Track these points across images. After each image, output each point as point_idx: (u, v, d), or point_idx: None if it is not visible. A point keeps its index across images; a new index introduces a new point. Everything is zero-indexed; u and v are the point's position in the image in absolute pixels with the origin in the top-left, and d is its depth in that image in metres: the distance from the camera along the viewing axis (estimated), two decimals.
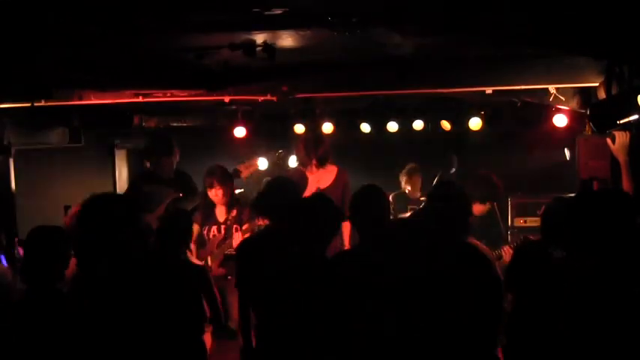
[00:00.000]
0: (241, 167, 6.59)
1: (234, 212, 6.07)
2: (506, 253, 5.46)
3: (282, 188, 4.55)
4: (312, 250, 4.02)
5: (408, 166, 7.62)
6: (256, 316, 4.27)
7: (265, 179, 8.20)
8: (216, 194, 6.06)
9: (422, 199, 7.33)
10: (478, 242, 4.31)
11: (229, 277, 5.88)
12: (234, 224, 6.04)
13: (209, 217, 6.10)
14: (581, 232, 3.15)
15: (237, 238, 5.90)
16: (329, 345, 3.79)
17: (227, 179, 6.13)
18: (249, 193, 8.51)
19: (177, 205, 6.04)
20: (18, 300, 3.55)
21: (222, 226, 6.08)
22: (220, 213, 6.15)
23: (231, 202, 6.16)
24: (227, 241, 5.94)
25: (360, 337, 3.72)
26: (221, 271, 5.86)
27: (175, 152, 6.63)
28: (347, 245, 5.84)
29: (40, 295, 3.40)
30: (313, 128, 7.48)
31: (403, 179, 7.61)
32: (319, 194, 5.29)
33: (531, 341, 3.50)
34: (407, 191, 7.55)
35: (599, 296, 3.03)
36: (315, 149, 6.21)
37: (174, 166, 6.62)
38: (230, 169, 6.47)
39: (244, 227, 5.97)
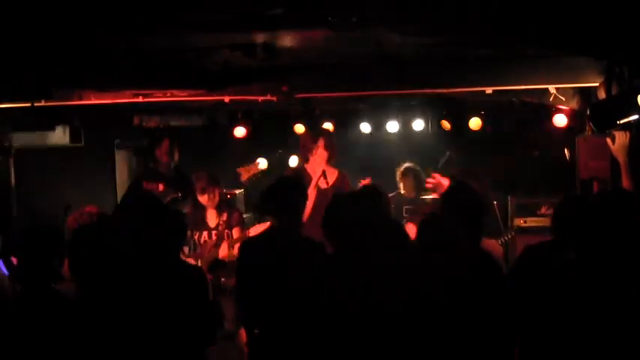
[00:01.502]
0: (242, 170, 6.59)
1: (224, 216, 6.08)
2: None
3: (288, 189, 4.55)
4: (311, 248, 4.03)
5: (403, 167, 7.60)
6: (258, 313, 4.28)
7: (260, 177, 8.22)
8: (209, 198, 6.06)
9: (425, 197, 7.33)
10: (489, 242, 4.31)
11: (222, 280, 5.88)
12: (225, 229, 6.04)
13: (199, 223, 6.10)
14: (598, 233, 3.11)
15: (223, 250, 5.90)
16: (329, 339, 3.79)
17: (216, 182, 6.15)
18: (248, 194, 8.55)
19: (175, 204, 6.03)
20: (14, 300, 3.55)
21: (214, 232, 6.09)
22: (211, 218, 6.16)
23: (221, 205, 6.16)
24: (216, 248, 5.94)
25: (360, 331, 3.72)
26: (209, 276, 5.87)
27: (166, 143, 6.62)
28: None
29: (37, 295, 3.40)
30: (313, 128, 7.47)
31: (398, 180, 7.59)
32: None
33: (540, 342, 3.48)
34: (402, 192, 7.54)
35: (609, 299, 3.02)
36: (322, 132, 6.26)
37: (174, 162, 6.61)
38: (231, 172, 6.50)
39: (234, 237, 5.98)
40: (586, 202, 3.82)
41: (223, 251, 5.91)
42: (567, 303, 3.21)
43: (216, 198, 6.09)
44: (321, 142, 6.10)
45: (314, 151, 6.07)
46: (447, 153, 7.92)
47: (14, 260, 4.33)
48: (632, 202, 3.44)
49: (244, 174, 6.58)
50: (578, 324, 3.10)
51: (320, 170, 6.03)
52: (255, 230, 5.95)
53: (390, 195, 7.29)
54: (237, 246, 5.83)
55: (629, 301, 3.00)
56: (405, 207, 7.34)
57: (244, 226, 6.22)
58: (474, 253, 3.82)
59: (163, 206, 4.32)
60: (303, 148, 6.22)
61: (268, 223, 5.75)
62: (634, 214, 3.17)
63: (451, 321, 3.57)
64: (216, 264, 5.97)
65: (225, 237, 6.00)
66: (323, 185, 6.01)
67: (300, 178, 5.83)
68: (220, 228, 6.08)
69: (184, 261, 4.59)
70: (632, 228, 3.10)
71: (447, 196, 4.33)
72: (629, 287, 3.01)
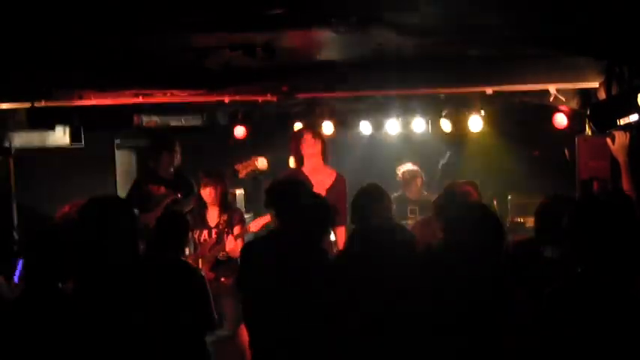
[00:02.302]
0: (239, 167, 6.60)
1: (225, 216, 6.06)
2: None
3: (287, 190, 4.54)
4: (313, 250, 4.03)
5: (411, 168, 7.57)
6: (259, 313, 4.28)
7: (260, 177, 8.22)
8: (210, 193, 6.05)
9: (425, 194, 7.33)
10: None
11: (222, 279, 5.88)
12: (225, 228, 6.02)
13: (200, 221, 6.09)
14: (579, 233, 3.12)
15: (229, 242, 5.89)
16: (328, 342, 3.79)
17: (221, 180, 6.13)
18: (248, 193, 8.55)
19: (176, 205, 6.04)
20: (18, 300, 3.55)
21: (214, 230, 6.08)
22: (212, 217, 6.14)
23: (224, 205, 6.14)
24: (218, 246, 5.93)
25: (358, 336, 3.72)
26: (211, 275, 5.87)
27: (176, 150, 6.62)
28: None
29: (42, 296, 3.40)
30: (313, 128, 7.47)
31: (402, 182, 7.57)
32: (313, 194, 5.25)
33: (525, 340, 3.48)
34: (407, 193, 7.53)
35: (594, 297, 3.02)
36: (306, 128, 6.29)
37: (175, 166, 6.62)
38: (229, 170, 6.48)
39: (236, 232, 5.97)
40: (569, 200, 3.88)
41: (230, 244, 5.89)
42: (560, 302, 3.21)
43: (216, 195, 6.07)
44: (308, 134, 6.10)
45: (303, 146, 6.05)
46: (447, 153, 7.94)
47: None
48: (622, 202, 3.44)
49: (242, 171, 6.59)
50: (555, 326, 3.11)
51: (317, 159, 6.01)
52: (256, 224, 5.96)
53: (394, 196, 7.31)
54: (240, 240, 5.86)
55: (616, 304, 3.00)
56: (409, 208, 7.34)
57: (245, 225, 6.21)
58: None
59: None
60: (295, 150, 6.20)
61: (268, 217, 5.79)
62: (620, 214, 3.17)
63: (457, 320, 3.57)
64: (218, 263, 5.97)
65: (225, 236, 6.00)
66: (323, 186, 6.01)
67: (300, 179, 5.84)
68: (221, 227, 6.07)
69: (183, 260, 4.59)
70: (616, 229, 3.10)
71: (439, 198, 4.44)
72: (620, 289, 3.01)
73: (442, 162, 7.76)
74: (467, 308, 3.53)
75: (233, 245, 5.88)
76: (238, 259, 5.88)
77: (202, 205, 6.15)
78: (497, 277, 3.75)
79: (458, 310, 3.54)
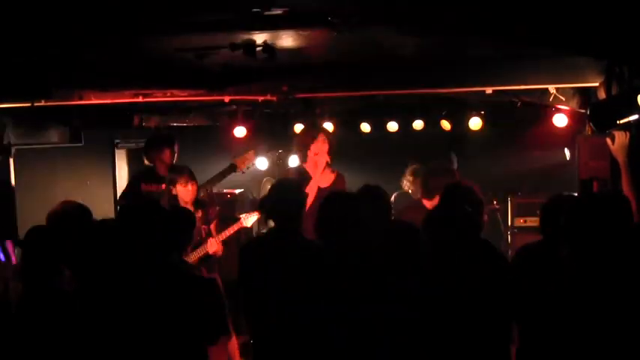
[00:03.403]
0: (237, 161, 6.60)
1: (199, 213, 6.02)
2: None
3: (288, 190, 4.54)
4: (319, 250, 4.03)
5: (413, 167, 7.55)
6: (259, 315, 4.28)
7: (266, 179, 8.24)
8: (187, 191, 5.98)
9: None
10: None
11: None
12: (202, 225, 6.00)
13: None
14: (586, 230, 3.13)
15: (211, 245, 5.87)
16: (331, 342, 3.79)
17: (195, 177, 6.09)
18: (248, 193, 8.56)
19: (173, 202, 6.00)
20: (18, 299, 3.55)
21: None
22: None
23: (196, 202, 6.09)
24: (200, 247, 5.90)
25: (362, 334, 3.72)
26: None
27: (174, 146, 6.61)
28: None
29: (40, 294, 3.40)
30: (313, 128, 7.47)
31: (408, 180, 7.54)
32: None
33: (543, 340, 3.49)
34: (410, 192, 7.51)
35: (607, 291, 3.03)
36: (321, 128, 6.27)
37: (172, 161, 6.61)
38: (227, 165, 6.49)
39: (224, 234, 5.96)
40: (573, 199, 3.90)
41: (212, 247, 5.88)
42: (558, 299, 3.22)
43: (194, 192, 6.02)
44: (321, 137, 6.11)
45: (313, 147, 6.05)
46: (455, 157, 7.93)
47: (9, 245, 4.32)
48: (619, 201, 3.45)
49: (240, 165, 6.59)
50: (568, 321, 3.12)
51: (323, 162, 6.01)
52: (245, 219, 5.97)
53: (395, 194, 7.30)
54: (222, 236, 5.86)
55: (621, 298, 3.01)
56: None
57: (221, 220, 6.18)
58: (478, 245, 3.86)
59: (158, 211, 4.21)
60: (302, 146, 6.20)
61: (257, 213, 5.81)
62: (620, 213, 3.19)
63: (461, 316, 3.59)
64: (199, 260, 5.93)
65: (203, 233, 5.96)
66: (323, 184, 6.01)
67: (300, 179, 5.84)
68: (198, 224, 6.04)
69: (186, 266, 4.56)
70: (619, 225, 3.12)
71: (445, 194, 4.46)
72: (622, 283, 3.02)
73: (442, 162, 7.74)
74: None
75: (216, 247, 5.88)
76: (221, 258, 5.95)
77: (174, 205, 6.09)
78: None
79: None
